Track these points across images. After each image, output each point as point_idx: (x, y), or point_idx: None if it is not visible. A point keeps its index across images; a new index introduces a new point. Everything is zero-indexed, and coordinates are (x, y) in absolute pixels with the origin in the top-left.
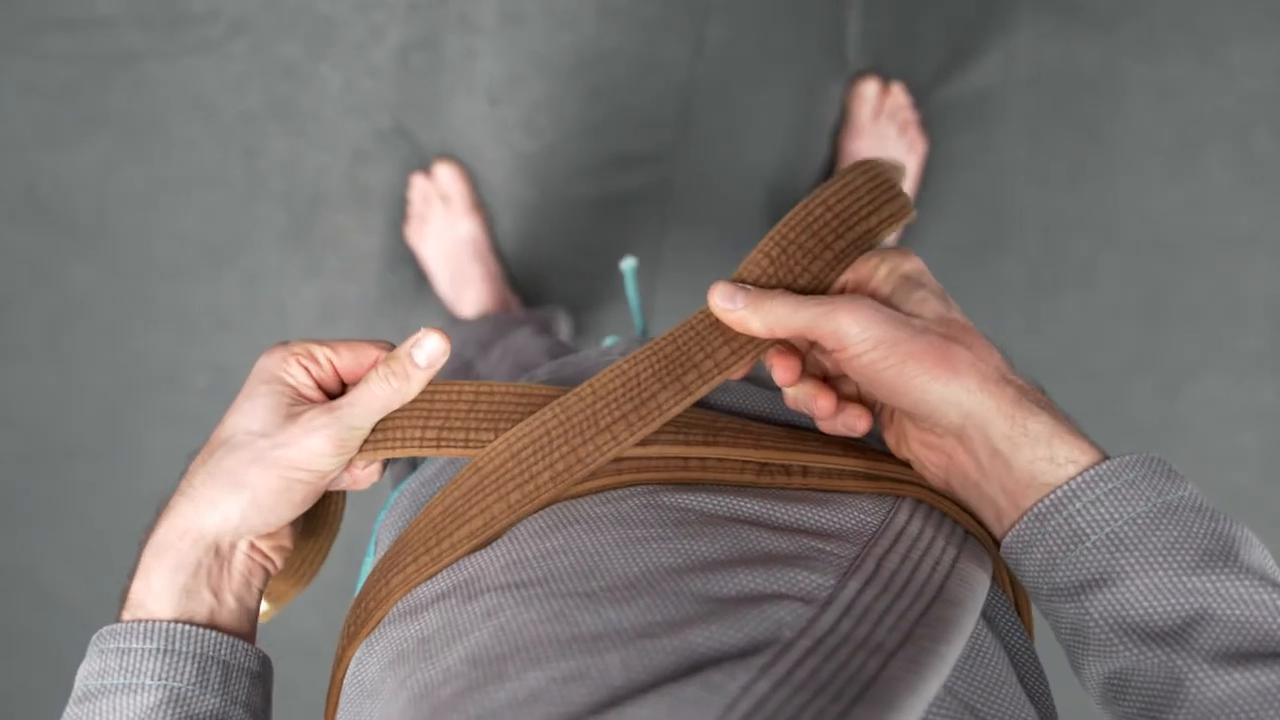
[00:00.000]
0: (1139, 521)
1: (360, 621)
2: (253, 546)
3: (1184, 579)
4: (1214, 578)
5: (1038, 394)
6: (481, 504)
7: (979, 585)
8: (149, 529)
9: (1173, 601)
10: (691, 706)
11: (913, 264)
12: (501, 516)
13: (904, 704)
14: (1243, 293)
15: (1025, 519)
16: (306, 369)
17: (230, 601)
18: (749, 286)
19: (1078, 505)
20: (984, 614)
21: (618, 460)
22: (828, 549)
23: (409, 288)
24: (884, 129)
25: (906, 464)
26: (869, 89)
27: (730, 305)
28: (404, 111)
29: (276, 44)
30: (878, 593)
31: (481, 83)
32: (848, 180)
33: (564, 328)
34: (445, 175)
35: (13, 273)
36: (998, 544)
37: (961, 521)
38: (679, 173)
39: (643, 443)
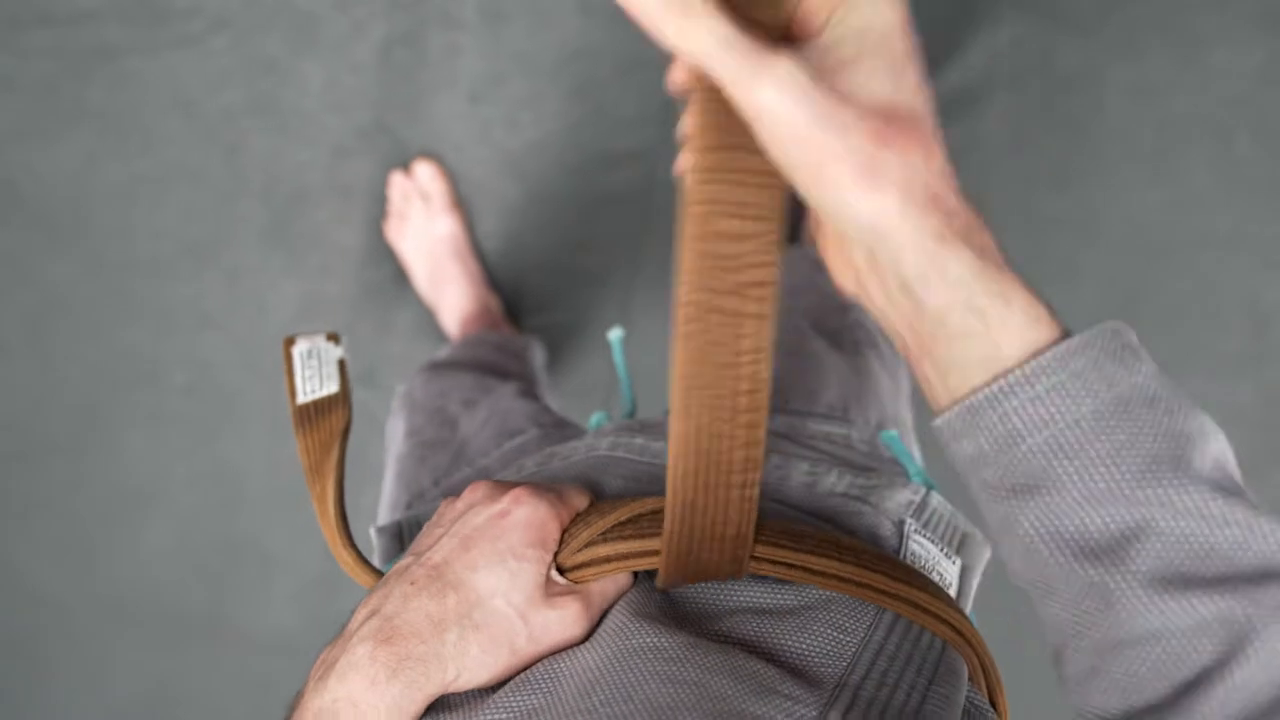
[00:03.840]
0: (1083, 424)
1: None
2: None
3: (1126, 488)
4: (1157, 488)
5: (975, 225)
6: None
7: (954, 708)
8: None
9: (1111, 513)
10: None
11: (876, 17)
12: None
13: None
14: (1222, 294)
15: (957, 410)
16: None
17: None
18: None
19: (1015, 402)
20: (977, 706)
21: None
22: (807, 680)
23: (389, 285)
24: None
25: (900, 572)
26: None
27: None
28: (385, 108)
29: (257, 40)
30: None
31: (463, 80)
32: None
33: (539, 356)
34: (425, 173)
35: None
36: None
37: (939, 634)
38: (661, 170)
39: (640, 534)
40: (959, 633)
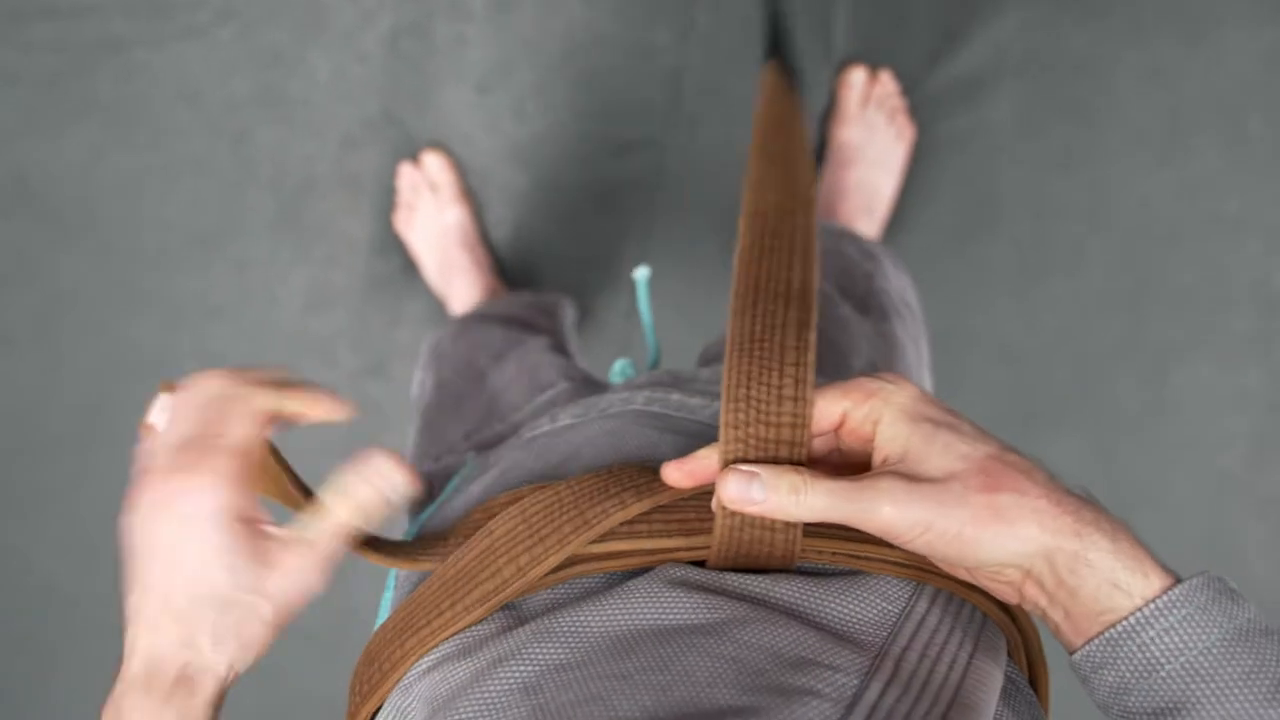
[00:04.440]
0: (1213, 651)
1: (375, 682)
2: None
3: (1259, 709)
4: None
5: (1090, 508)
6: (492, 566)
7: (993, 683)
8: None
9: None
10: None
11: (906, 397)
12: (512, 579)
13: None
14: (1231, 277)
15: (1098, 642)
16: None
17: None
18: (760, 472)
19: (1151, 633)
20: (1015, 683)
21: (634, 532)
22: (852, 645)
23: (398, 275)
24: (872, 116)
25: None
26: (857, 76)
27: (750, 499)
28: (393, 98)
29: (264, 30)
30: (899, 694)
31: (471, 69)
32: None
33: (569, 315)
34: (433, 164)
35: (0, 262)
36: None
37: (980, 605)
38: (669, 159)
39: (667, 522)
40: (1002, 606)
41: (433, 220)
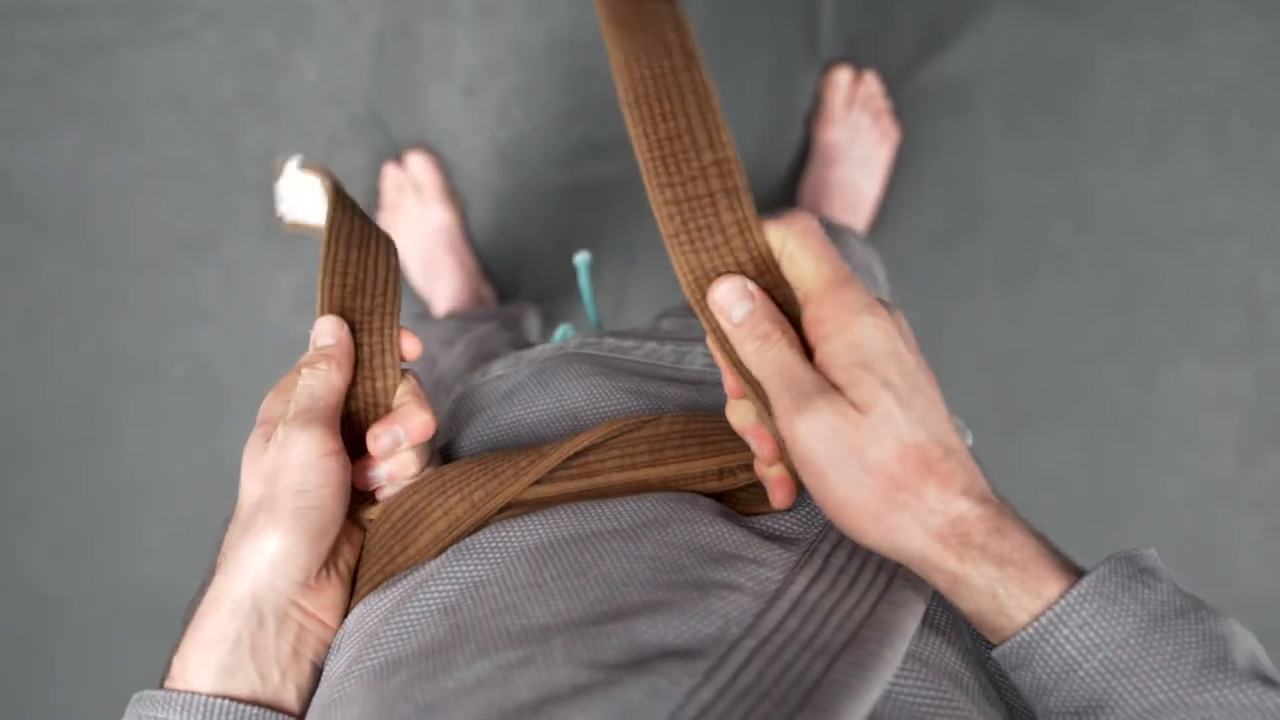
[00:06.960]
0: (1130, 642)
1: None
2: (301, 610)
3: (1184, 695)
4: (1214, 690)
5: (999, 528)
6: (444, 505)
7: (923, 585)
8: (190, 603)
9: None
10: (636, 712)
11: (882, 340)
12: (465, 517)
13: (846, 710)
14: (1218, 279)
15: (1011, 643)
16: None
17: (276, 678)
18: (757, 298)
19: (1065, 632)
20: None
21: (567, 479)
22: (781, 542)
23: None
24: (857, 117)
25: None
26: (842, 77)
27: (737, 311)
28: (379, 100)
29: (251, 32)
30: (825, 589)
31: (457, 71)
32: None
33: (534, 323)
34: (417, 164)
35: None
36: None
37: None
38: None
39: (588, 473)
40: None
41: (417, 221)
